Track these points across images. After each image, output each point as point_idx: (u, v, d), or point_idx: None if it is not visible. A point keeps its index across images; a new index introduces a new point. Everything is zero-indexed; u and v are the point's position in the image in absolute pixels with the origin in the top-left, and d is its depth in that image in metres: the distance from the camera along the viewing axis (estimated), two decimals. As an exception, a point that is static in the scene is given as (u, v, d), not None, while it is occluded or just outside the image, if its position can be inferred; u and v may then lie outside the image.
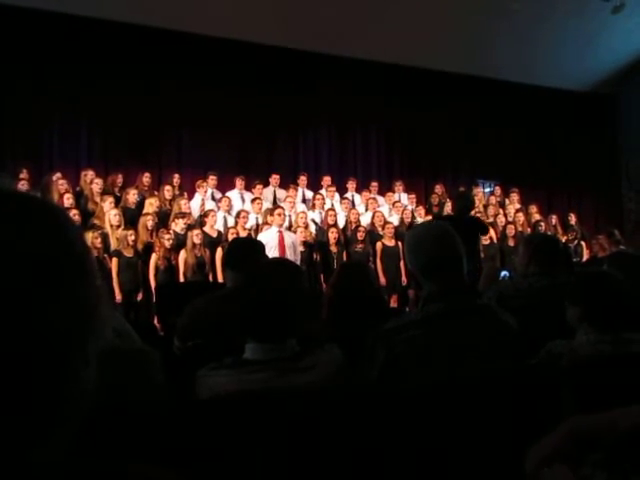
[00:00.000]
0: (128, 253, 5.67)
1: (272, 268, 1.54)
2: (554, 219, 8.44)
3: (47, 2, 7.10)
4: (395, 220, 7.35)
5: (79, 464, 0.44)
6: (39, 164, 7.32)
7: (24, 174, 6.50)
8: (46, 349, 0.41)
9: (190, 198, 7.08)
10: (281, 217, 6.03)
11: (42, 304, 0.41)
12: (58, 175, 6.57)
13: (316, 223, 7.03)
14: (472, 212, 5.61)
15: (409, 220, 7.31)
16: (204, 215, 6.51)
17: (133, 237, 5.73)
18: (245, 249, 2.41)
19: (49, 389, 0.42)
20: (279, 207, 6.35)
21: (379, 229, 6.97)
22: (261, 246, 2.53)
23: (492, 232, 7.39)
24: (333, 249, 6.56)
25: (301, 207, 7.30)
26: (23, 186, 6.11)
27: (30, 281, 0.41)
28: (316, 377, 1.36)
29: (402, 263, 6.54)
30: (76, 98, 7.61)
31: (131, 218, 6.12)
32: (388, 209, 7.75)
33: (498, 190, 8.92)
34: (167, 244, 5.74)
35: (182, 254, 5.79)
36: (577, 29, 8.39)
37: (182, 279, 5.69)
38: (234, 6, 7.32)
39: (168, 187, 6.94)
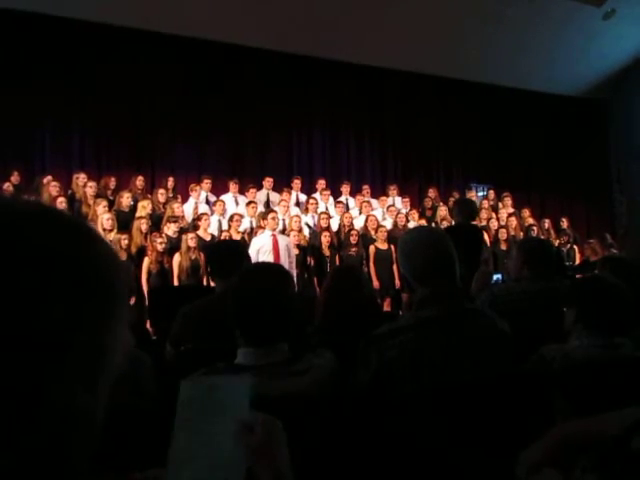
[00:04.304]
0: (121, 256, 5.64)
1: (262, 272, 1.54)
2: (547, 223, 8.48)
3: (40, 4, 7.07)
4: (388, 224, 7.37)
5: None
6: (31, 166, 7.28)
7: (15, 176, 6.46)
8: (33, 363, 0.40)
9: (184, 201, 7.07)
10: (275, 221, 6.03)
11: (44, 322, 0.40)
12: (49, 178, 6.53)
13: (310, 227, 7.03)
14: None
15: (403, 224, 7.32)
16: (197, 219, 6.49)
17: (126, 241, 5.70)
18: (227, 256, 2.36)
19: (27, 408, 0.40)
20: (272, 211, 6.34)
21: (372, 232, 6.99)
22: (242, 248, 2.50)
23: (485, 236, 7.42)
24: (326, 252, 6.57)
25: (295, 210, 7.30)
26: (9, 189, 6.07)
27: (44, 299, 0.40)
28: (308, 381, 1.36)
29: (395, 267, 6.54)
30: (68, 100, 7.58)
31: (125, 221, 6.09)
32: (382, 213, 7.77)
33: (491, 194, 8.97)
34: (159, 247, 5.72)
35: (176, 257, 5.77)
36: (569, 35, 8.46)
37: (176, 282, 5.66)
38: (229, 10, 7.33)
39: (162, 190, 6.93)
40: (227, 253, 2.41)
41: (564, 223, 8.65)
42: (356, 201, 8.13)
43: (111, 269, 0.47)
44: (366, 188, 8.42)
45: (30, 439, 0.40)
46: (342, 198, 8.09)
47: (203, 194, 7.37)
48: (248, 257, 2.51)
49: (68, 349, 0.42)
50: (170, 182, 7.32)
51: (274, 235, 5.90)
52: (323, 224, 6.87)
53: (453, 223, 7.01)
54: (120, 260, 0.53)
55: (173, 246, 5.88)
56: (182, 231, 6.10)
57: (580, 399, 1.46)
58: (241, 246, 2.51)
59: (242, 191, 7.61)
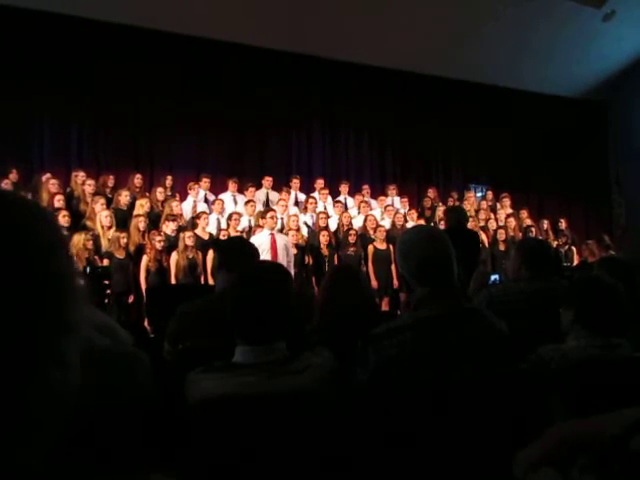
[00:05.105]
0: (120, 255, 5.63)
1: (261, 271, 1.54)
2: (545, 224, 8.50)
3: (38, 2, 7.05)
4: (387, 223, 7.37)
5: (64, 469, 0.43)
6: (29, 164, 7.25)
7: (14, 174, 6.45)
8: (5, 348, 0.40)
9: (182, 200, 7.06)
10: (273, 220, 6.03)
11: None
12: (48, 176, 6.52)
13: (308, 226, 7.03)
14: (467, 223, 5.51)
15: (401, 224, 7.32)
16: (196, 217, 6.49)
17: (125, 239, 5.70)
18: (242, 250, 2.38)
19: (10, 390, 0.40)
20: (271, 210, 6.34)
21: (371, 232, 6.99)
22: (254, 248, 2.51)
23: (483, 236, 7.42)
24: (324, 252, 6.57)
25: (293, 210, 7.30)
26: (7, 186, 6.05)
27: None
28: (306, 380, 1.36)
29: (393, 266, 6.55)
30: (67, 98, 7.56)
31: (123, 219, 6.08)
32: (380, 212, 7.77)
33: (490, 195, 8.97)
34: (158, 246, 5.71)
35: (174, 256, 5.76)
36: (569, 36, 8.46)
37: (174, 281, 5.66)
38: (229, 9, 7.32)
39: (160, 189, 6.92)
40: (241, 248, 2.42)
41: (562, 224, 8.67)
42: (355, 201, 8.13)
43: (52, 249, 0.46)
44: (366, 188, 8.43)
45: (13, 420, 0.40)
46: (341, 198, 8.10)
47: (202, 193, 7.37)
48: (257, 258, 2.52)
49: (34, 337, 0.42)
50: (169, 181, 7.32)
51: (272, 234, 5.90)
52: (322, 223, 6.87)
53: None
54: (61, 237, 0.50)
55: (172, 244, 5.88)
56: (180, 230, 6.09)
57: (578, 399, 1.46)
58: (254, 247, 2.52)
59: (241, 190, 7.61)
